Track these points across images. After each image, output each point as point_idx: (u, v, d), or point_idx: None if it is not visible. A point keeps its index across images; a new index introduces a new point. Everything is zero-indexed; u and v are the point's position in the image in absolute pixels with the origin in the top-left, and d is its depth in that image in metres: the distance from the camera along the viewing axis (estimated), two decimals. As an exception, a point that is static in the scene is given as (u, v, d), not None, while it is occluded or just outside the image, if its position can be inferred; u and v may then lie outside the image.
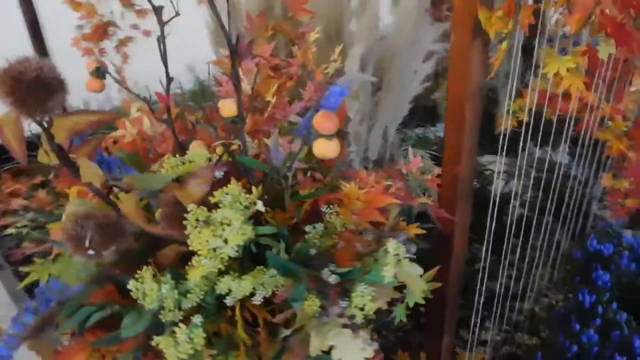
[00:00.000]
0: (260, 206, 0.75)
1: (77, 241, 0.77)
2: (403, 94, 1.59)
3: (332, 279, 0.74)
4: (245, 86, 1.06)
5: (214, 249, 0.74)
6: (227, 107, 0.92)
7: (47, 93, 0.69)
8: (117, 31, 2.09)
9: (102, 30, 2.02)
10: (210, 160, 0.85)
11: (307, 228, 0.86)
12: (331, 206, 0.89)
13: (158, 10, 1.02)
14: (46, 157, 0.77)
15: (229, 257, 0.73)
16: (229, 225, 0.71)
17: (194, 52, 2.74)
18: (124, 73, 2.17)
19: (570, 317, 1.28)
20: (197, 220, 0.73)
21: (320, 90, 1.05)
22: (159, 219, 0.79)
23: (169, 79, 1.07)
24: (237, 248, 0.71)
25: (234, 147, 0.96)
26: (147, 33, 2.11)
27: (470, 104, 0.79)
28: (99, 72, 1.06)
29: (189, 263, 0.77)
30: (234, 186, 0.78)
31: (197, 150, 0.85)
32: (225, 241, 0.71)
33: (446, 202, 0.89)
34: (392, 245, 0.78)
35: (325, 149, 0.79)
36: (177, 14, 1.06)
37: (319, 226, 0.86)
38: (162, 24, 1.04)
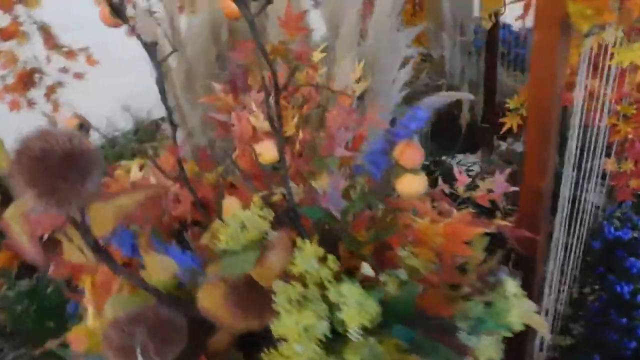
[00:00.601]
0: (368, 270, 0.62)
1: (125, 353, 0.60)
2: (384, 103, 1.50)
3: (464, 338, 0.62)
4: (262, 122, 0.92)
5: (305, 329, 0.60)
6: (267, 152, 0.78)
7: (80, 174, 0.52)
8: (44, 77, 1.85)
9: (28, 78, 1.77)
10: (270, 219, 0.70)
11: (383, 277, 0.74)
12: (405, 247, 0.77)
13: (151, 48, 0.86)
14: (77, 254, 0.59)
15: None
16: (341, 302, 0.57)
17: (128, 88, 2.52)
18: (57, 121, 1.93)
19: (610, 310, 1.24)
20: (292, 300, 0.59)
21: (349, 116, 0.93)
22: (228, 308, 0.63)
23: (174, 127, 0.91)
24: (358, 329, 0.57)
25: (277, 197, 0.81)
26: (79, 75, 1.88)
27: (555, 111, 0.70)
28: (83, 130, 0.88)
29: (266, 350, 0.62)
30: (311, 247, 0.64)
31: (245, 213, 0.69)
32: (342, 323, 0.57)
33: (527, 221, 0.80)
34: (510, 284, 0.67)
35: (412, 185, 0.68)
36: (175, 50, 0.91)
37: (401, 273, 0.73)
38: (157, 63, 0.87)
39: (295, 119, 0.93)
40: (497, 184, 0.88)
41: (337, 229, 0.80)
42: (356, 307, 0.56)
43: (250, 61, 1.08)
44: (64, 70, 1.86)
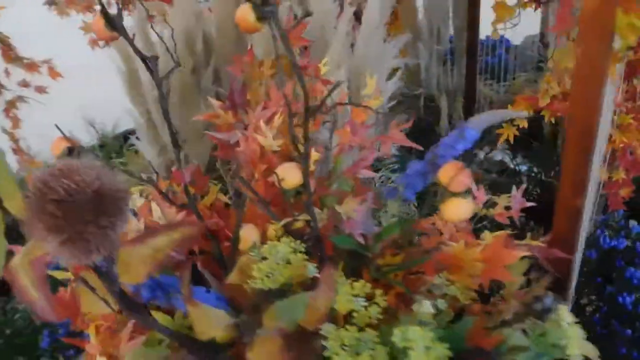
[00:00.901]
0: (427, 307, 0.56)
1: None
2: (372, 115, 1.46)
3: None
4: (270, 142, 0.85)
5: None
6: (291, 176, 0.71)
7: (111, 216, 0.45)
8: (3, 92, 1.72)
9: (-15, 94, 1.64)
10: (302, 252, 0.63)
11: (417, 307, 0.68)
12: (441, 275, 0.72)
13: (152, 63, 0.78)
14: (98, 305, 0.51)
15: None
16: (408, 346, 0.51)
17: (88, 100, 2.38)
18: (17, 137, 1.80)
19: (611, 322, 1.23)
20: (346, 346, 0.53)
21: (364, 131, 0.87)
22: None
23: (178, 148, 0.83)
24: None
25: (299, 224, 0.74)
26: (41, 89, 1.76)
27: (596, 130, 0.67)
28: (74, 155, 0.79)
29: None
30: (357, 283, 0.58)
31: (281, 246, 0.62)
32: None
33: (560, 240, 0.76)
34: (564, 313, 0.63)
35: (459, 210, 0.63)
36: (178, 64, 0.83)
37: (440, 303, 0.68)
38: (158, 80, 0.80)
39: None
40: (515, 201, 0.85)
41: (364, 256, 0.74)
42: (425, 352, 0.50)
43: (249, 75, 1.02)
44: (25, 83, 1.73)
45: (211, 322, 0.49)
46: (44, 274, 0.50)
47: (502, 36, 2.62)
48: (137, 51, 0.77)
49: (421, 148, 0.78)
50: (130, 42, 0.76)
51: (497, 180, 1.90)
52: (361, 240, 0.72)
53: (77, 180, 0.43)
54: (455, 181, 0.61)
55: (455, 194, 0.62)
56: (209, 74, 1.91)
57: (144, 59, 0.78)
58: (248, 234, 0.73)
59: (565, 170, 0.72)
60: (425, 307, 0.56)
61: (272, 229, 0.76)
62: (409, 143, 0.80)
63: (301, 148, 0.73)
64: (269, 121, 0.88)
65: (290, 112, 0.70)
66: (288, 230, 0.75)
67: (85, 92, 2.41)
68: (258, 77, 0.99)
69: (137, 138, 1.97)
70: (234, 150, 0.92)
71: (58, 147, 0.80)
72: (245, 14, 0.68)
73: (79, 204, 0.43)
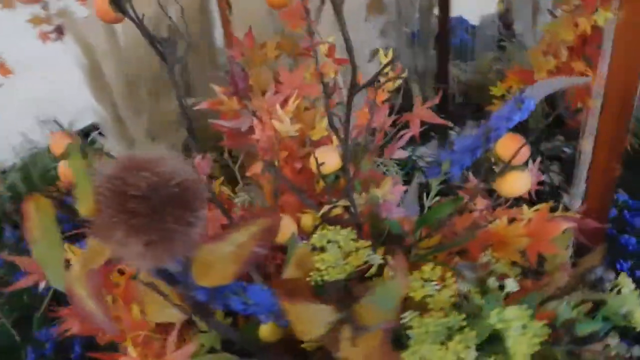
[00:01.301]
0: (513, 285, 0.53)
1: None
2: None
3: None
4: (288, 127, 0.80)
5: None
6: (331, 160, 0.67)
7: (193, 213, 0.40)
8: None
9: None
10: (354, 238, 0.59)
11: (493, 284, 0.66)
12: (486, 253, 0.70)
13: (169, 45, 0.72)
14: (163, 313, 0.46)
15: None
16: (506, 328, 0.48)
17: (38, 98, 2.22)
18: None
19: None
20: (431, 333, 0.50)
21: (381, 112, 0.84)
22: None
23: (195, 140, 0.77)
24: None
25: (337, 210, 0.71)
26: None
27: (633, 98, 0.67)
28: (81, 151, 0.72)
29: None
30: (427, 268, 0.56)
31: (338, 234, 0.58)
32: (506, 354, 0.48)
33: (594, 210, 0.76)
34: (624, 280, 0.62)
35: (518, 183, 0.61)
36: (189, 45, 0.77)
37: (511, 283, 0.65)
38: (172, 64, 0.73)
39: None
40: (532, 174, 0.84)
41: (403, 240, 0.71)
42: (522, 332, 0.48)
43: (249, 59, 0.96)
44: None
45: (314, 319, 0.44)
46: (101, 283, 0.44)
47: (460, 17, 2.65)
48: (148, 34, 0.71)
49: (451, 124, 0.76)
50: (140, 24, 0.70)
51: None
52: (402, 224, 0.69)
53: (159, 173, 0.38)
54: (513, 152, 0.59)
55: (513, 168, 0.60)
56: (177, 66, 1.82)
57: (153, 43, 0.72)
58: (285, 225, 0.68)
59: (601, 138, 0.72)
60: (510, 284, 0.54)
61: (307, 217, 0.72)
62: (439, 120, 0.77)
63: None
64: (282, 106, 0.83)
65: (327, 92, 0.66)
66: (325, 219, 0.71)
67: (36, 89, 2.26)
68: (260, 60, 0.94)
69: (101, 134, 1.86)
70: (245, 138, 0.87)
71: (60, 144, 0.73)
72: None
73: (163, 200, 0.38)
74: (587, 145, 1.34)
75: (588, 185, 0.76)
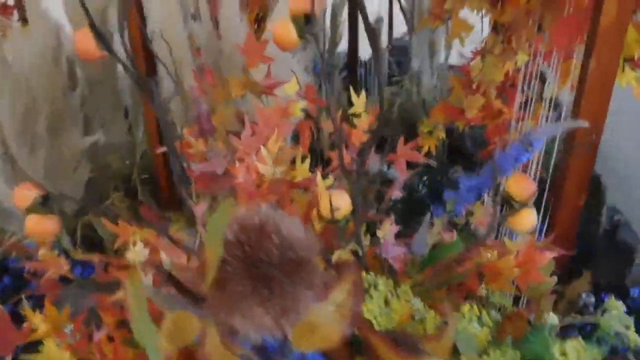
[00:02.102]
0: (554, 320, 0.56)
1: None
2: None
3: None
4: (271, 168, 0.77)
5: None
6: (344, 203, 0.65)
7: (311, 275, 0.37)
8: None
9: None
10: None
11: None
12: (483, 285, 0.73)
13: (151, 84, 0.66)
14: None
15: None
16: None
17: None
18: None
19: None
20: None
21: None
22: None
23: (187, 178, 0.70)
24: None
25: (345, 254, 0.69)
26: None
27: (602, 131, 0.75)
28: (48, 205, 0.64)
29: None
30: (466, 308, 0.57)
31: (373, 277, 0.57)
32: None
33: (562, 238, 0.83)
34: (614, 303, 0.68)
35: (528, 221, 0.65)
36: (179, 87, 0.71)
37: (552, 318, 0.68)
38: (160, 104, 0.68)
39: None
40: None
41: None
42: (579, 364, 0.50)
43: (212, 98, 0.92)
44: None
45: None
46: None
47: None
48: (134, 73, 0.65)
49: (434, 163, 0.78)
50: (124, 62, 0.64)
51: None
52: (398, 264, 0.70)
53: (283, 236, 0.35)
54: (522, 191, 0.63)
55: (522, 205, 0.64)
56: (77, 98, 1.68)
57: (138, 82, 0.66)
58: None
59: (570, 172, 0.79)
60: (552, 319, 0.56)
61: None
62: (423, 159, 0.80)
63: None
64: (260, 147, 0.80)
65: (341, 138, 0.65)
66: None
67: None
68: (224, 98, 0.90)
69: (-16, 175, 1.65)
70: (218, 182, 0.83)
71: (24, 197, 0.64)
72: (287, 30, 0.62)
73: (292, 264, 0.35)
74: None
75: (555, 215, 0.83)
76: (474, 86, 1.20)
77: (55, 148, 1.61)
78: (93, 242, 1.55)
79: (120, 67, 1.77)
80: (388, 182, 0.78)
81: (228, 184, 0.79)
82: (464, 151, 1.89)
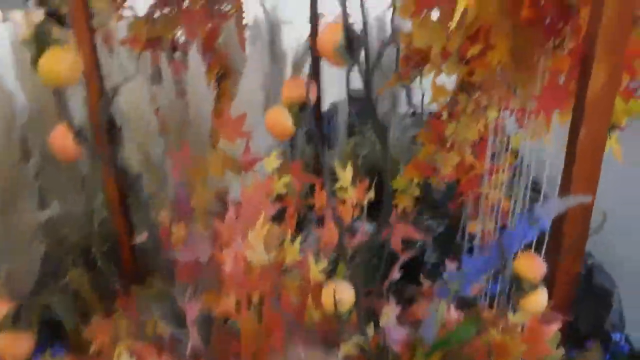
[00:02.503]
0: None
1: None
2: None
3: None
4: (261, 254, 0.73)
5: None
6: (347, 295, 0.61)
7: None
8: None
9: None
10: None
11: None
12: (491, 365, 0.70)
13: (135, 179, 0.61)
14: None
15: None
16: None
17: None
18: None
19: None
20: None
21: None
22: None
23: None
24: None
25: (349, 348, 0.65)
26: None
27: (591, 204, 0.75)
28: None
29: None
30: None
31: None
32: None
33: (561, 305, 0.81)
34: None
35: (539, 301, 0.62)
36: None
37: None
38: (144, 199, 0.63)
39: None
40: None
41: None
42: None
43: (191, 176, 0.87)
44: None
45: None
46: None
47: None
48: (122, 170, 0.60)
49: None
50: (109, 158, 0.59)
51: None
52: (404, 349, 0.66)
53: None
54: (532, 270, 0.61)
55: (533, 286, 0.62)
56: (31, 169, 1.60)
57: (122, 177, 0.61)
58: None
59: (566, 239, 0.78)
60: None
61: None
62: (419, 236, 0.77)
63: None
64: (247, 232, 0.75)
65: (341, 227, 0.61)
66: None
67: None
68: (201, 178, 0.86)
69: None
70: (202, 270, 0.77)
71: None
72: (282, 118, 0.58)
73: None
74: (478, 226, 1.46)
75: (552, 283, 0.81)
76: (448, 144, 1.20)
77: (9, 223, 1.52)
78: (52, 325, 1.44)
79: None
80: (386, 259, 0.75)
81: (214, 274, 0.73)
82: (432, 202, 1.89)
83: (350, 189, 0.83)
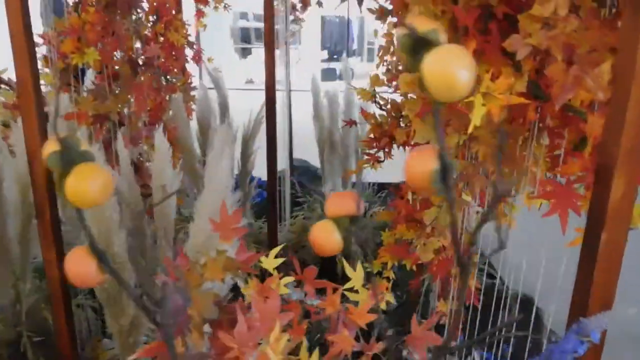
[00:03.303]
0: None
1: None
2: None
3: None
4: (281, 356, 0.65)
5: None
6: None
7: None
8: None
9: None
10: None
11: None
12: None
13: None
14: None
15: None
16: None
17: None
18: None
19: None
20: None
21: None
22: None
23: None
24: None
25: None
26: None
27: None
28: None
29: None
30: None
31: None
32: None
33: None
34: None
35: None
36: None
37: None
38: (166, 320, 0.54)
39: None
40: None
41: None
42: None
43: (186, 281, 0.78)
44: None
45: None
46: None
47: (252, 177, 2.69)
48: (135, 294, 0.51)
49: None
50: (126, 284, 0.51)
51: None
52: None
53: None
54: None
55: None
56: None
57: (140, 302, 0.53)
58: None
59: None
60: None
61: None
62: (440, 342, 0.73)
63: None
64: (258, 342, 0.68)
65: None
66: None
67: None
68: (198, 283, 0.77)
69: None
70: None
71: None
72: (329, 233, 0.53)
73: None
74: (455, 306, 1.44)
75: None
76: (429, 230, 1.19)
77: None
78: None
79: (5, 212, 1.54)
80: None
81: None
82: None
83: (362, 291, 0.79)
